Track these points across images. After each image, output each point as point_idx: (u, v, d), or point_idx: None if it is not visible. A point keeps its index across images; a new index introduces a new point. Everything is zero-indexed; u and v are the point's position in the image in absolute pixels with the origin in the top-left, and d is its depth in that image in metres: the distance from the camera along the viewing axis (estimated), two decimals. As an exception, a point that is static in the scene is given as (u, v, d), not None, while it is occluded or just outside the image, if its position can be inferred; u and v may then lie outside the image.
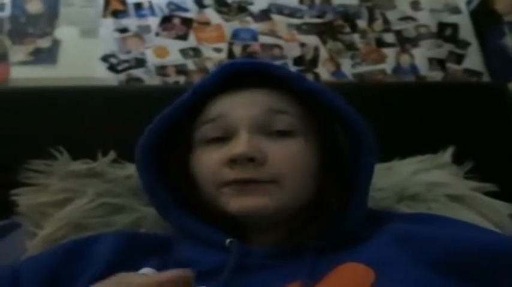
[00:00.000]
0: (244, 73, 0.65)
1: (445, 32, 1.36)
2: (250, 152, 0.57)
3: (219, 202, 0.60)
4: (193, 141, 0.65)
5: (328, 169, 0.65)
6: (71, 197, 0.80)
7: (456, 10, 1.39)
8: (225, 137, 0.62)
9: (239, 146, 0.58)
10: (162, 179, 0.66)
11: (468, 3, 1.40)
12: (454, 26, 1.37)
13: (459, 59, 1.33)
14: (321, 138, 0.65)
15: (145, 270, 0.56)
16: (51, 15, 1.33)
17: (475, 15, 1.37)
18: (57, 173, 0.84)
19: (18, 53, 1.28)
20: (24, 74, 1.25)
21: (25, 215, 0.80)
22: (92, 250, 0.62)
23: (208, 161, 0.62)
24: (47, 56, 1.27)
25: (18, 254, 0.74)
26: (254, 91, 0.64)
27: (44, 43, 1.29)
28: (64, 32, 1.31)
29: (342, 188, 0.64)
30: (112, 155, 0.87)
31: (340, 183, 0.65)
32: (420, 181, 0.83)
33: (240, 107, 0.62)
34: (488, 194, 0.83)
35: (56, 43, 1.29)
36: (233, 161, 0.58)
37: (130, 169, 0.85)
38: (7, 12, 1.32)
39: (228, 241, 0.58)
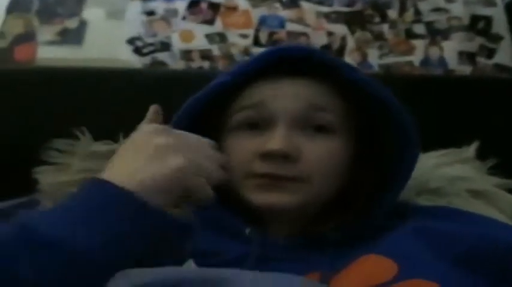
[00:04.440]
0: (289, 59, 0.63)
1: (478, 25, 1.32)
2: (286, 150, 0.57)
3: (244, 191, 0.60)
4: (226, 124, 0.64)
5: (363, 161, 0.65)
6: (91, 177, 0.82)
7: (491, 2, 1.34)
8: (261, 125, 0.61)
9: (276, 142, 0.57)
10: None
11: (504, -5, 1.35)
12: (488, 19, 1.32)
13: (490, 53, 1.28)
14: (360, 132, 0.64)
15: None
16: (80, -4, 1.34)
17: (510, 9, 1.32)
18: (79, 153, 0.86)
19: (45, 33, 1.29)
20: (50, 54, 1.26)
21: (45, 193, 0.81)
22: None
23: (240, 149, 0.61)
24: (73, 36, 1.28)
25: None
26: (298, 81, 0.63)
27: (72, 24, 1.30)
28: (91, 13, 1.31)
29: (374, 181, 0.64)
30: (133, 137, 0.88)
31: (373, 176, 0.65)
32: (442, 174, 0.82)
33: (282, 98, 0.61)
34: (511, 191, 0.82)
35: (83, 24, 1.30)
36: (266, 155, 0.58)
37: (151, 152, 0.86)
38: (36, -8, 1.34)
39: (247, 230, 0.58)
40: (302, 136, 0.60)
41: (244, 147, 0.61)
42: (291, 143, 0.58)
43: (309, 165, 0.58)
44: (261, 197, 0.58)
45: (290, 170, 0.58)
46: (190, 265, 0.49)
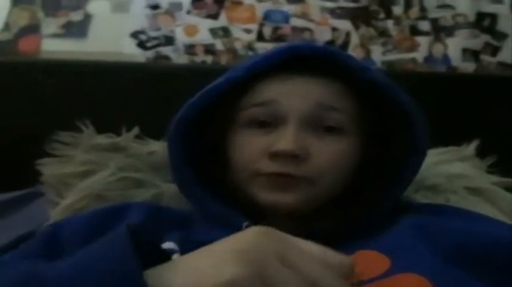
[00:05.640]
0: (302, 57, 0.63)
1: (483, 22, 1.31)
2: (296, 150, 0.57)
3: (249, 188, 0.60)
4: (234, 120, 0.64)
5: (370, 161, 0.64)
6: (94, 169, 0.83)
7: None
8: (270, 123, 0.61)
9: (286, 141, 0.57)
10: (190, 155, 0.65)
11: (511, -7, 1.34)
12: (493, 16, 1.31)
13: (494, 51, 1.28)
14: (369, 132, 0.64)
15: (168, 244, 0.57)
16: (85, -12, 1.34)
17: (516, 6, 1.31)
18: (82, 145, 0.86)
19: (50, 25, 1.29)
20: (54, 46, 1.26)
21: (49, 184, 0.82)
22: (126, 216, 0.64)
23: (249, 147, 0.61)
24: (78, 29, 1.28)
25: (41, 222, 0.77)
26: (309, 80, 0.62)
27: (76, 16, 1.30)
28: (96, 6, 1.31)
29: (378, 180, 0.64)
30: (136, 130, 0.89)
31: (377, 176, 0.64)
32: (441, 171, 0.82)
33: (293, 97, 0.60)
34: (510, 189, 0.82)
35: (87, 17, 1.30)
36: (275, 155, 0.57)
37: (153, 146, 0.87)
38: (42, -16, 1.34)
39: (244, 224, 0.58)
40: (311, 136, 0.59)
41: (252, 145, 0.60)
42: (300, 143, 0.57)
43: (318, 165, 0.58)
44: (268, 196, 0.58)
45: (298, 170, 0.57)
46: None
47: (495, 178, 0.83)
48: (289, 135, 0.57)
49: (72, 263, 0.38)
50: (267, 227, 0.37)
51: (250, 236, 0.36)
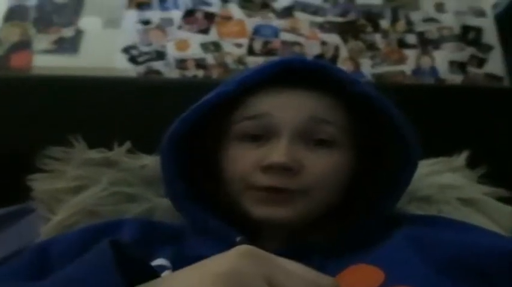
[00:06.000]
0: (293, 71, 0.63)
1: (468, 35, 1.34)
2: (289, 163, 0.56)
3: (243, 202, 0.60)
4: (226, 133, 0.64)
5: (362, 173, 0.65)
6: (86, 184, 0.82)
7: (481, 13, 1.37)
8: (262, 136, 0.61)
9: (279, 154, 0.57)
10: (182, 169, 0.65)
11: (494, 7, 1.37)
12: (478, 30, 1.34)
13: (480, 62, 1.30)
14: (361, 145, 0.65)
15: (160, 261, 0.56)
16: (76, 5, 1.34)
17: (500, 20, 1.34)
18: (74, 160, 0.86)
19: (42, 41, 1.29)
20: (46, 62, 1.26)
21: (40, 200, 0.81)
22: (119, 232, 0.63)
23: (241, 160, 0.61)
24: (69, 45, 1.29)
25: (32, 238, 0.76)
26: (302, 93, 0.62)
27: (68, 32, 1.31)
28: (88, 22, 1.32)
29: (370, 192, 0.64)
30: (128, 145, 0.88)
31: (369, 188, 0.65)
32: (432, 182, 0.82)
33: (286, 110, 0.60)
34: (501, 199, 0.82)
35: (79, 33, 1.31)
36: (268, 168, 0.57)
37: (145, 160, 0.87)
38: (34, 0, 1.34)
39: (238, 239, 0.57)
40: (304, 149, 0.59)
41: (245, 158, 0.60)
42: (293, 156, 0.57)
43: (311, 178, 0.58)
44: (262, 210, 0.58)
45: (292, 183, 0.57)
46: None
47: (487, 188, 0.84)
48: (282, 148, 0.57)
49: (55, 282, 0.37)
50: (252, 247, 0.36)
51: (233, 257, 0.35)
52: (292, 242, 0.60)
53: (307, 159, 0.59)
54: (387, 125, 0.62)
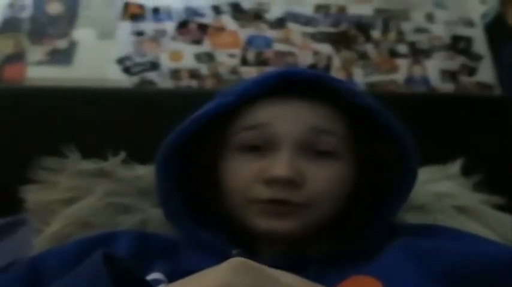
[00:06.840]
0: (292, 81, 0.62)
1: (459, 45, 1.35)
2: (292, 176, 0.56)
3: (245, 215, 0.60)
4: (226, 145, 0.63)
5: (362, 184, 0.65)
6: (79, 195, 0.81)
7: (470, 23, 1.39)
8: (262, 147, 0.60)
9: (282, 167, 0.56)
10: (179, 180, 0.64)
11: (483, 17, 1.39)
12: (468, 39, 1.36)
13: (471, 71, 1.32)
14: (361, 156, 0.64)
15: (155, 275, 0.56)
16: (70, 17, 1.35)
17: (489, 29, 1.36)
18: (67, 171, 0.85)
19: (35, 53, 1.30)
20: (40, 73, 1.26)
21: (33, 211, 0.81)
22: (114, 245, 0.62)
23: (242, 173, 0.60)
24: (63, 56, 1.29)
25: (25, 251, 0.75)
26: (302, 104, 0.61)
27: (62, 44, 1.31)
28: (82, 34, 1.33)
29: (370, 203, 0.64)
30: (122, 155, 0.88)
31: (369, 198, 0.65)
32: (428, 190, 0.82)
33: (286, 120, 0.60)
34: (497, 207, 0.82)
35: (73, 44, 1.31)
36: (273, 181, 0.57)
37: (140, 170, 0.86)
38: (28, 12, 1.35)
39: (234, 252, 0.57)
40: (305, 161, 0.59)
41: (245, 170, 0.60)
42: (295, 168, 0.57)
43: (313, 190, 0.58)
44: (266, 223, 0.57)
45: (295, 195, 0.57)
46: None
47: (481, 196, 0.84)
48: (284, 160, 0.57)
49: None
50: (245, 260, 0.36)
51: (225, 271, 0.35)
52: (291, 253, 0.60)
53: (309, 171, 0.58)
54: (386, 136, 0.61)
